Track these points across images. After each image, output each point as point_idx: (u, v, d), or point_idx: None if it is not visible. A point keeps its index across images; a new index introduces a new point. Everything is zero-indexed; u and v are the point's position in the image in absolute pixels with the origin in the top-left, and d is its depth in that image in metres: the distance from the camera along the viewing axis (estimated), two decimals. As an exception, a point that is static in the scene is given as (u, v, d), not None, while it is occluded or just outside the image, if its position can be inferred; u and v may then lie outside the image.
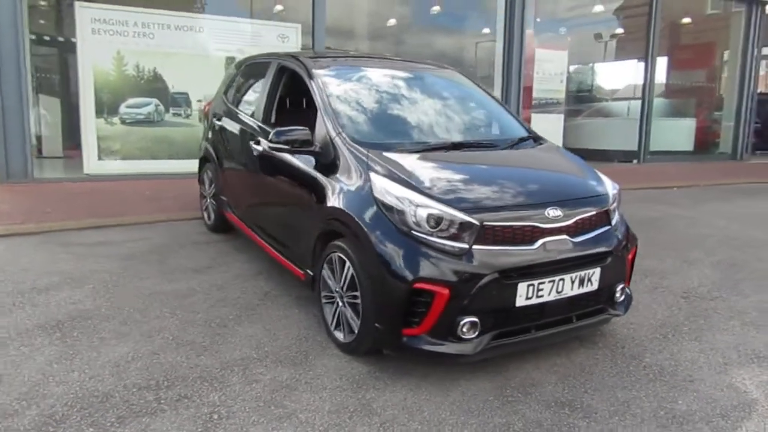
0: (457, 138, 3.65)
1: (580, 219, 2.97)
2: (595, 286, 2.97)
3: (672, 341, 3.37)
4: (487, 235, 2.73)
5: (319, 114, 3.47)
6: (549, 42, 12.61)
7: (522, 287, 2.73)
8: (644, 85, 12.64)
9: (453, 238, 2.70)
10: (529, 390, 2.79)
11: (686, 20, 15.36)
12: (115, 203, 6.40)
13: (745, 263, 4.99)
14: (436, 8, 13.36)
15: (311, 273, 3.41)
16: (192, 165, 5.92)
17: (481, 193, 2.91)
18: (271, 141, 3.42)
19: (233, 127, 4.63)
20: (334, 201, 3.10)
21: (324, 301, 3.26)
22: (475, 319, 2.69)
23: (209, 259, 4.61)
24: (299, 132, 3.35)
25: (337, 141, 3.26)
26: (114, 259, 4.57)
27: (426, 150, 3.32)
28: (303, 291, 3.93)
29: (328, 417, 2.49)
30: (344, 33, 12.26)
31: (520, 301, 2.76)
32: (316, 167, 3.35)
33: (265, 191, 4.04)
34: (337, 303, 3.12)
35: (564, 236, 2.89)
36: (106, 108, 7.96)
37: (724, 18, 14.77)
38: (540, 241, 2.82)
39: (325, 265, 3.20)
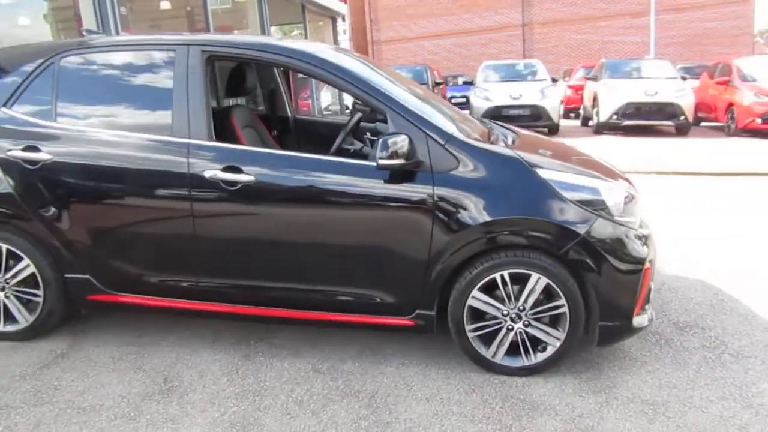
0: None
1: None
2: None
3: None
4: None
5: (397, 117, 2.71)
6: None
7: None
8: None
9: (633, 214, 2.82)
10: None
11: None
12: None
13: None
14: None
15: (431, 312, 2.78)
16: None
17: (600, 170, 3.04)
18: (380, 158, 2.51)
19: (116, 157, 2.84)
20: (492, 212, 2.61)
21: (474, 334, 2.77)
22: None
23: (143, 383, 2.79)
24: (401, 140, 2.57)
25: (454, 145, 2.69)
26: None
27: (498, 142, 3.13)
28: (341, 351, 3.04)
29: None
30: None
31: None
32: (409, 181, 2.67)
33: (280, 236, 2.81)
34: (507, 329, 2.73)
35: None
36: None
37: (242, 2, 16.11)
38: None
39: (477, 293, 2.70)
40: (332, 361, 2.95)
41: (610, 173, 3.02)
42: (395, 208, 2.71)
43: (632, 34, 26.54)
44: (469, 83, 16.17)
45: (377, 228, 2.75)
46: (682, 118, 11.93)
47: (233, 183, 2.77)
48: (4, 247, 3.05)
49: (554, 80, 14.41)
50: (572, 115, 17.00)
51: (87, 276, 3.04)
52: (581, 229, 2.61)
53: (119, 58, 3.06)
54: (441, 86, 15.88)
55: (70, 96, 3.02)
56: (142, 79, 3.04)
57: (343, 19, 23.86)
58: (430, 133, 2.71)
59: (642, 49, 24.41)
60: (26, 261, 3.05)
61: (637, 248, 2.69)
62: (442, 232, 2.67)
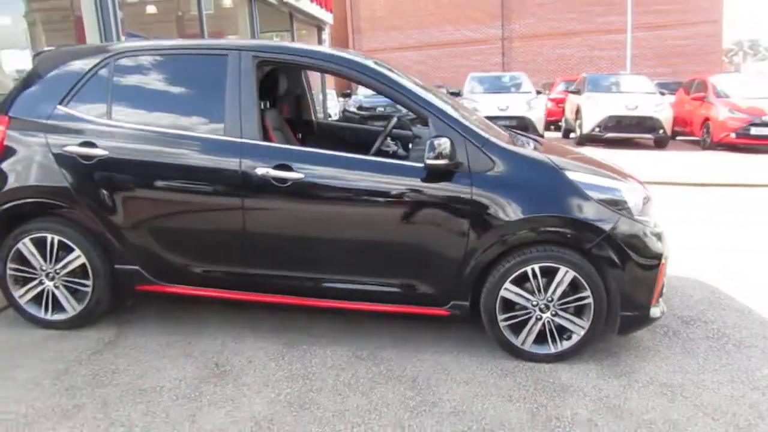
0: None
1: None
2: None
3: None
4: None
5: (438, 122, 2.94)
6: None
7: None
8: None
9: (649, 213, 3.09)
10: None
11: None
12: None
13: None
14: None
15: (465, 303, 3.00)
16: None
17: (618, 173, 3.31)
18: (428, 158, 2.74)
19: (169, 155, 3.03)
20: (525, 211, 2.86)
21: (505, 324, 3.00)
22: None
23: (196, 367, 2.95)
24: (444, 142, 2.80)
25: (490, 147, 2.93)
26: None
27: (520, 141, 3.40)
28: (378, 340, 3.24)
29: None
30: None
31: None
32: (449, 181, 2.90)
33: (326, 231, 3.02)
34: (536, 318, 2.97)
35: None
36: None
37: (232, 8, 16.25)
38: None
39: (509, 285, 2.94)
40: (371, 349, 3.15)
41: (624, 177, 3.29)
42: (436, 205, 2.93)
43: (608, 49, 27.38)
44: (455, 94, 16.52)
45: (419, 224, 2.96)
46: (661, 131, 12.45)
47: (284, 180, 2.96)
48: (56, 238, 3.18)
49: (538, 92, 14.85)
50: (552, 127, 17.47)
51: (136, 267, 3.19)
52: (606, 227, 2.86)
53: (173, 61, 3.23)
54: (428, 96, 16.19)
55: (124, 95, 3.19)
56: (195, 82, 3.20)
57: (323, 29, 24.14)
58: (468, 137, 2.94)
59: (617, 64, 25.19)
60: (77, 252, 3.18)
61: (654, 245, 2.95)
62: (478, 228, 2.90)
